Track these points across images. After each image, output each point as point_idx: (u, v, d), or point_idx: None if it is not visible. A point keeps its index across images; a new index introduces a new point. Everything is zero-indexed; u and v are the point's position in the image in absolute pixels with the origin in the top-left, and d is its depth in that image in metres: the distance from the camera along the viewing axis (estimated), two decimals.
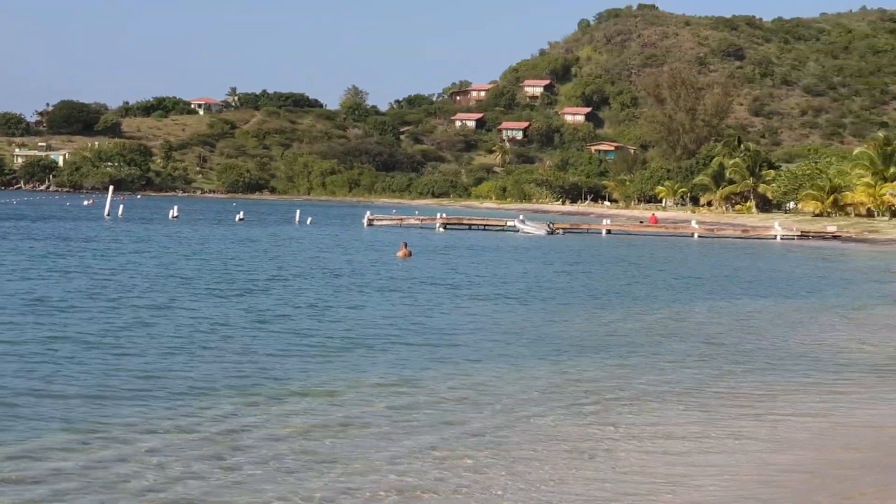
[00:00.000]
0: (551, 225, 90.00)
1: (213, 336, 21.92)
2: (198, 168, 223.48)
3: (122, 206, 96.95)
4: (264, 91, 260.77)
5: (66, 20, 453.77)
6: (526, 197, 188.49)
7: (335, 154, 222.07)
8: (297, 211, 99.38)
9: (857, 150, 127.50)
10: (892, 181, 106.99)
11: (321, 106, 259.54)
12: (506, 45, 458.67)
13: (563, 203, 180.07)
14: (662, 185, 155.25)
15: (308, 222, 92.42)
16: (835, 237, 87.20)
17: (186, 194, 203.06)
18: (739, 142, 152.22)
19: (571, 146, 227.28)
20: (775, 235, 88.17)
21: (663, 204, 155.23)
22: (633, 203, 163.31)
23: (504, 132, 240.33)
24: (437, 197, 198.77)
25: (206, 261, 44.75)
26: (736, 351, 22.34)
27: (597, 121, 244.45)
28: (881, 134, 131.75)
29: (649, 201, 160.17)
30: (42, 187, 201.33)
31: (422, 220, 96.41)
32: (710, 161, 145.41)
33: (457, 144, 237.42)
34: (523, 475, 11.90)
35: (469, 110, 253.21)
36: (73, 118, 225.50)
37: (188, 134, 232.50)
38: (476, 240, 74.33)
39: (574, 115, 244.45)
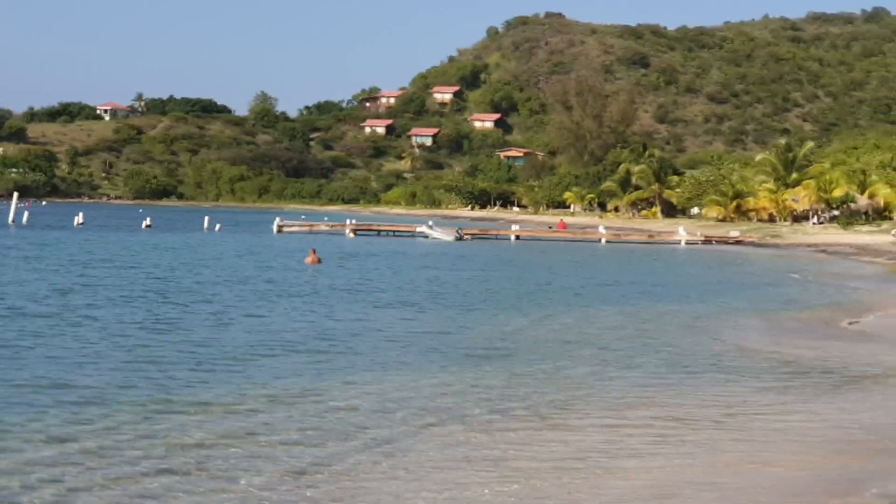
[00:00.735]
0: (460, 231, 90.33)
1: (108, 344, 21.61)
2: (104, 174, 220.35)
3: (26, 213, 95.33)
4: (171, 96, 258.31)
5: None
6: (436, 203, 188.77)
7: (244, 160, 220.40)
8: (206, 217, 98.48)
9: (759, 157, 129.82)
10: (793, 187, 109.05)
11: (230, 112, 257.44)
12: (415, 51, 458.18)
13: (473, 209, 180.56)
14: (570, 191, 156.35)
15: (217, 229, 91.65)
16: (738, 242, 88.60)
17: (93, 200, 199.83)
18: (645, 148, 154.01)
19: (480, 152, 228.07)
20: (680, 240, 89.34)
21: (571, 209, 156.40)
22: (541, 209, 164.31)
23: (414, 138, 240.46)
24: (348, 203, 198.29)
25: (109, 268, 44.11)
26: (635, 355, 22.65)
27: (505, 127, 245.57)
28: (783, 141, 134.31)
29: (558, 207, 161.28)
30: None
31: (331, 226, 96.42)
32: (617, 167, 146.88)
33: (366, 151, 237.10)
34: (423, 483, 11.96)
35: (379, 116, 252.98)
36: None
37: (94, 140, 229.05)
38: (385, 246, 74.43)
39: (483, 122, 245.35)
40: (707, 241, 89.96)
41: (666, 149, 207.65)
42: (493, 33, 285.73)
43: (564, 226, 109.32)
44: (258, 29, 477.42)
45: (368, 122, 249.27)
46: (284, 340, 23.38)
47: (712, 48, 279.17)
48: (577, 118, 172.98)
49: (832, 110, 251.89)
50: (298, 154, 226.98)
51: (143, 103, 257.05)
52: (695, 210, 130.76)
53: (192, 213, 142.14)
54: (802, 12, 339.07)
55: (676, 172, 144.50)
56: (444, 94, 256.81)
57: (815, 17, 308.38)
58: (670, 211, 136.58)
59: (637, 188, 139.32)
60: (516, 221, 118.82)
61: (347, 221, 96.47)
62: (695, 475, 12.24)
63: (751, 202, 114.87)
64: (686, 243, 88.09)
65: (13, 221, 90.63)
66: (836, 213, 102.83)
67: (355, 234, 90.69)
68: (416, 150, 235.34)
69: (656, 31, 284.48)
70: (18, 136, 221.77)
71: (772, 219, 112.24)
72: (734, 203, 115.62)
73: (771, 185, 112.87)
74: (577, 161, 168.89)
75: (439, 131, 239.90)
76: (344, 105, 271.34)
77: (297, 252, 60.11)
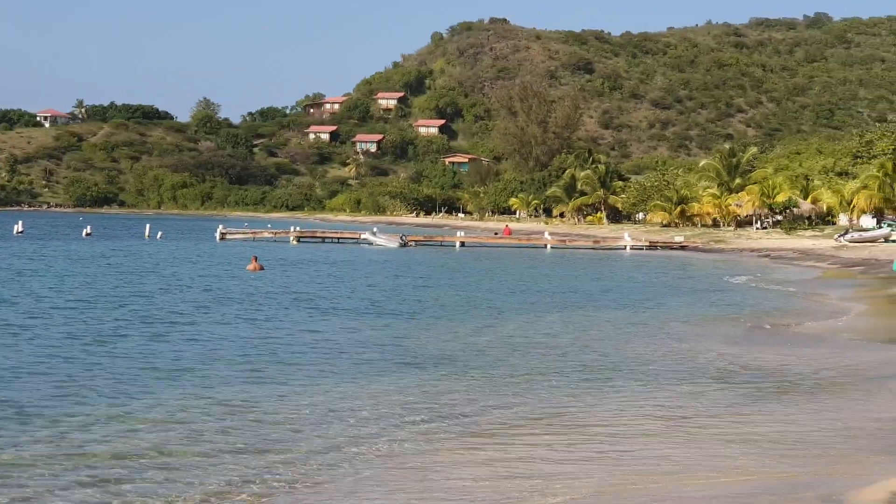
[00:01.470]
0: (404, 237, 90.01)
1: (31, 356, 20.83)
2: (44, 182, 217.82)
3: None
4: (112, 103, 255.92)
5: None
6: (381, 209, 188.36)
7: (186, 167, 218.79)
8: (147, 225, 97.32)
9: (703, 162, 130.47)
10: (737, 192, 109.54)
11: (171, 118, 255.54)
12: (359, 57, 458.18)
13: (418, 215, 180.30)
14: (516, 197, 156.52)
15: (158, 236, 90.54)
16: (682, 247, 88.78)
17: (32, 208, 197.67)
18: (590, 154, 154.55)
19: (425, 158, 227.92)
20: (625, 246, 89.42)
21: (517, 216, 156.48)
22: (487, 215, 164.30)
23: (358, 145, 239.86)
24: (292, 210, 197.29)
25: (46, 277, 43.16)
26: (574, 363, 22.17)
27: (450, 133, 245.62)
28: (726, 146, 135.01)
29: (503, 213, 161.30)
30: None
31: (275, 233, 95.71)
32: (562, 173, 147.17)
33: (311, 157, 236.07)
34: (356, 494, 11.58)
35: (323, 123, 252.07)
36: None
37: (34, 147, 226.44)
38: (329, 253, 73.97)
39: (428, 128, 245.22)
40: (652, 246, 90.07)
41: (611, 154, 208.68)
42: (437, 39, 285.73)
43: (510, 232, 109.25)
44: (201, 34, 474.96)
45: (312, 128, 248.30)
46: (219, 350, 22.79)
47: (656, 54, 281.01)
48: (522, 124, 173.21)
49: (775, 115, 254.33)
50: (242, 161, 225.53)
51: (83, 110, 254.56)
52: (640, 215, 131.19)
53: (134, 220, 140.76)
54: (745, 18, 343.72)
55: (621, 178, 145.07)
56: (388, 100, 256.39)
57: (758, 23, 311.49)
58: (616, 216, 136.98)
59: (582, 194, 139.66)
60: (461, 228, 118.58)
61: (291, 228, 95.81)
62: (633, 485, 11.67)
63: (695, 207, 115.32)
64: (631, 249, 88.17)
65: None
66: (779, 218, 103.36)
67: (299, 241, 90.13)
68: (361, 157, 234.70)
69: (600, 37, 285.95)
70: None
71: (716, 224, 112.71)
72: (679, 208, 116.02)
73: (715, 190, 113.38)
74: (523, 167, 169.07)
75: (384, 137, 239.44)
76: (288, 111, 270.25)
77: (239, 260, 59.43)
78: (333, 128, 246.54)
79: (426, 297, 39.13)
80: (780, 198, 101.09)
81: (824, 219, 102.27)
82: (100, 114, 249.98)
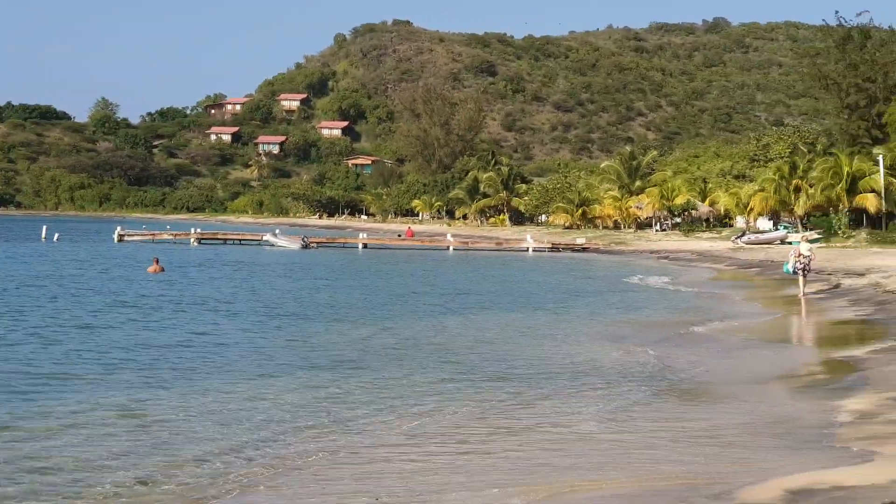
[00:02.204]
0: (306, 239, 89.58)
1: None
2: None
3: None
4: (9, 103, 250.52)
5: None
6: (283, 211, 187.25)
7: (84, 168, 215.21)
8: (44, 227, 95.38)
9: (604, 164, 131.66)
10: (637, 194, 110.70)
11: (69, 118, 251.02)
12: (261, 58, 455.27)
13: (321, 217, 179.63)
14: (419, 199, 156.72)
15: (55, 238, 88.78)
16: (584, 249, 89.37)
17: None
18: (493, 156, 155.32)
19: (328, 160, 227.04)
20: (528, 248, 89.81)
21: (420, 217, 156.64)
22: (390, 217, 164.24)
23: (260, 146, 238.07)
24: (192, 212, 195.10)
25: None
26: (476, 366, 22.13)
27: (353, 135, 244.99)
28: (627, 148, 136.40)
29: (406, 215, 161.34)
30: None
31: (175, 234, 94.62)
32: (465, 175, 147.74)
33: (212, 158, 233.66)
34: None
35: (224, 124, 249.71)
36: None
37: None
38: (231, 254, 73.35)
39: (331, 129, 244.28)
40: (554, 248, 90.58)
41: (514, 157, 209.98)
42: (340, 40, 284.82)
43: (413, 234, 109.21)
44: (99, 32, 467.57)
45: (214, 129, 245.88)
46: (114, 354, 22.30)
47: (558, 57, 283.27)
48: (426, 126, 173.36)
49: (674, 119, 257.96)
50: (141, 162, 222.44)
51: None
52: (542, 217, 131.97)
53: (30, 222, 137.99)
54: (645, 22, 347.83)
55: (524, 180, 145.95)
56: (291, 102, 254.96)
57: (658, 28, 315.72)
58: (518, 218, 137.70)
59: (485, 196, 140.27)
60: (364, 229, 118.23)
61: (192, 230, 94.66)
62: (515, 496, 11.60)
63: (596, 209, 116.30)
64: (533, 251, 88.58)
65: None
66: (678, 220, 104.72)
67: (200, 242, 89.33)
68: (263, 158, 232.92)
69: (503, 40, 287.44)
70: None
71: (617, 226, 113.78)
72: (580, 210, 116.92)
73: (616, 192, 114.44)
74: (426, 169, 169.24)
75: (286, 139, 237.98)
76: (188, 112, 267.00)
77: (138, 262, 58.57)
78: (235, 129, 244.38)
79: (325, 299, 38.87)
80: (679, 200, 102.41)
81: (722, 221, 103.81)
82: None
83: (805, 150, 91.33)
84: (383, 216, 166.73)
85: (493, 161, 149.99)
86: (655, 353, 24.11)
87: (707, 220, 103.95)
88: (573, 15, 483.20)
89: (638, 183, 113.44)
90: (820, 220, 79.00)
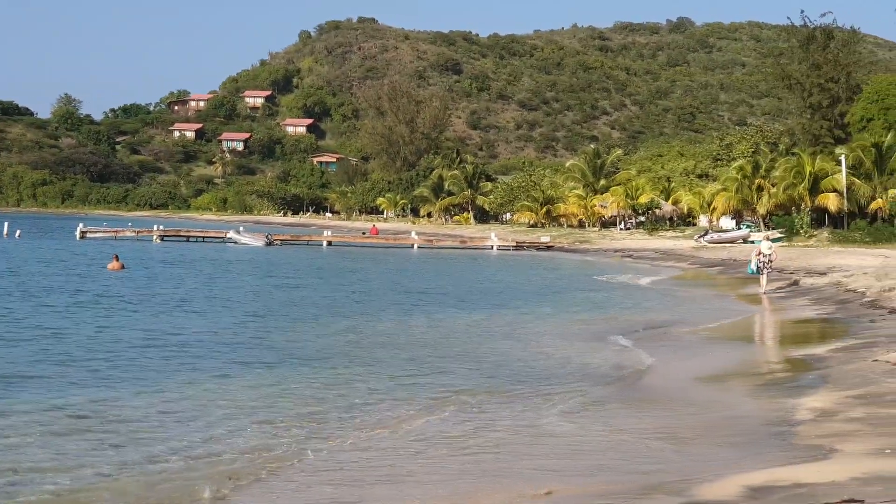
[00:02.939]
0: (270, 236, 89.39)
1: None
2: None
3: None
4: None
5: None
6: (247, 209, 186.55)
7: (47, 164, 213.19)
8: (5, 223, 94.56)
9: (568, 163, 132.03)
10: (602, 193, 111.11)
11: (31, 114, 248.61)
12: (225, 54, 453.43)
13: (285, 215, 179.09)
14: (384, 197, 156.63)
15: (17, 235, 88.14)
16: (549, 247, 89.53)
17: None
18: (458, 154, 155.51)
19: (293, 158, 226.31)
20: (492, 246, 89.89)
21: (385, 215, 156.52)
22: (354, 215, 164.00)
23: (224, 143, 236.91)
24: (155, 209, 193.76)
25: None
26: (440, 364, 22.08)
27: (318, 132, 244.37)
28: (592, 147, 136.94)
29: (371, 213, 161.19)
30: None
31: (138, 231, 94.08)
32: (430, 173, 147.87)
33: (175, 155, 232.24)
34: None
35: (188, 120, 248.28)
36: None
37: None
38: (194, 252, 72.96)
39: (296, 127, 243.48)
40: (518, 246, 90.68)
41: (479, 155, 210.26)
42: (305, 37, 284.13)
43: (377, 231, 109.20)
44: (62, 28, 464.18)
45: (177, 125, 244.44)
46: (71, 352, 21.99)
47: (523, 56, 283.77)
48: (391, 124, 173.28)
49: (639, 118, 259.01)
50: (104, 158, 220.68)
51: None
52: (507, 216, 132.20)
53: None
54: (610, 22, 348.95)
55: (489, 178, 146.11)
56: (255, 99, 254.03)
57: (622, 27, 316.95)
58: (483, 217, 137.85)
59: (450, 194, 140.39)
60: (329, 227, 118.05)
61: (155, 227, 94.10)
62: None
63: (561, 208, 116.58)
64: (498, 249, 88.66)
65: None
66: (642, 219, 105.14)
67: (163, 239, 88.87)
68: (227, 155, 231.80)
69: (468, 38, 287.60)
70: None
71: (581, 224, 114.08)
72: (545, 209, 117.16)
73: (580, 191, 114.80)
74: (390, 167, 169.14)
75: (251, 136, 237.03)
76: (152, 108, 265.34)
77: (99, 259, 58.14)
78: (199, 126, 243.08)
79: (287, 297, 38.72)
80: (643, 199, 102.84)
81: (685, 220, 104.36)
82: None
83: (767, 150, 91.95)
84: (348, 214, 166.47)
85: (458, 159, 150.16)
86: (616, 352, 24.17)
87: (671, 219, 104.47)
88: (538, 14, 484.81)
89: (602, 182, 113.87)
90: (782, 220, 79.52)
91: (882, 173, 75.06)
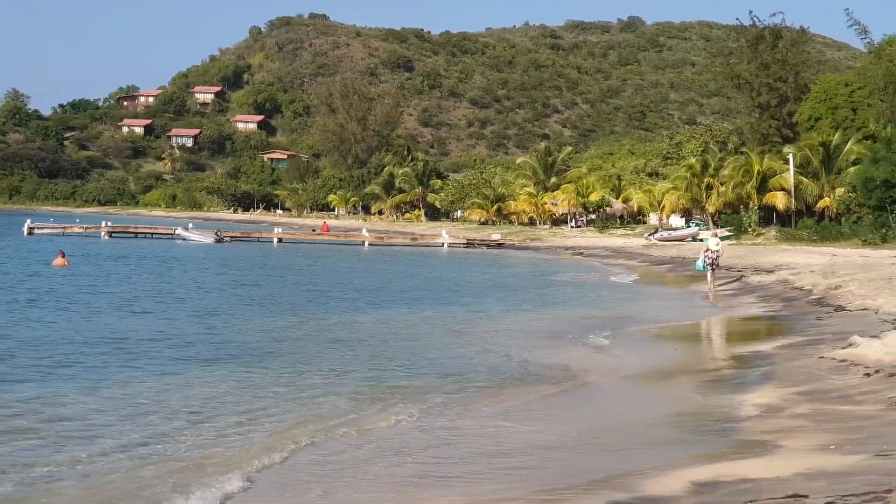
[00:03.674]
0: (219, 233, 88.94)
1: None
2: None
3: None
4: None
5: None
6: (197, 205, 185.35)
7: None
8: None
9: (519, 160, 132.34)
10: (552, 191, 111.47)
11: None
12: (175, 50, 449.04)
13: (236, 211, 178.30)
14: (335, 194, 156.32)
15: None
16: (499, 245, 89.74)
17: None
18: (409, 151, 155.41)
19: (243, 154, 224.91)
20: (443, 243, 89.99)
21: (336, 213, 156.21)
22: (306, 212, 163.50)
23: (174, 139, 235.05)
24: (104, 205, 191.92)
25: None
26: (385, 361, 22.01)
27: (269, 129, 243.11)
28: (543, 145, 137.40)
29: (322, 210, 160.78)
30: None
31: (86, 228, 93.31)
32: (381, 171, 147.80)
33: (124, 151, 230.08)
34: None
35: (137, 116, 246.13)
36: None
37: None
38: (142, 248, 72.46)
39: (246, 123, 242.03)
40: (469, 243, 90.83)
41: (430, 152, 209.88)
42: (255, 33, 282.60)
43: (328, 229, 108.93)
44: (9, 23, 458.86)
45: (126, 121, 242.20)
46: (10, 349, 21.60)
47: (475, 53, 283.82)
48: (342, 121, 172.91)
49: (590, 117, 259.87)
50: (52, 154, 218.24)
51: None
52: (458, 213, 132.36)
53: None
54: (561, 20, 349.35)
55: (440, 176, 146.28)
56: (205, 94, 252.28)
57: (574, 26, 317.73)
58: (434, 214, 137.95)
59: (401, 191, 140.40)
60: (280, 224, 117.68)
61: (103, 223, 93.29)
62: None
63: (512, 205, 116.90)
64: (448, 246, 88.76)
65: None
66: (593, 216, 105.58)
67: (111, 236, 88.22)
68: (177, 151, 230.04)
69: (420, 36, 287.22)
70: None
71: (532, 222, 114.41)
72: (496, 206, 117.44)
73: (531, 188, 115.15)
74: (342, 164, 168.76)
75: (201, 132, 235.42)
76: (100, 104, 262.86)
77: (46, 255, 57.45)
78: (148, 121, 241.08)
79: (236, 293, 38.50)
80: (594, 197, 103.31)
81: (636, 218, 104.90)
82: None
83: (716, 149, 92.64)
84: (299, 211, 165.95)
85: (410, 157, 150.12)
86: (562, 348, 24.14)
87: (621, 216, 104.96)
88: (490, 12, 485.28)
89: (553, 179, 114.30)
90: (731, 218, 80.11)
91: (829, 172, 75.75)
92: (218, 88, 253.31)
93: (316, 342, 24.71)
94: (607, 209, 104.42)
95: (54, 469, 12.26)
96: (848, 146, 74.55)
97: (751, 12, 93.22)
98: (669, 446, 13.28)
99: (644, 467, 11.84)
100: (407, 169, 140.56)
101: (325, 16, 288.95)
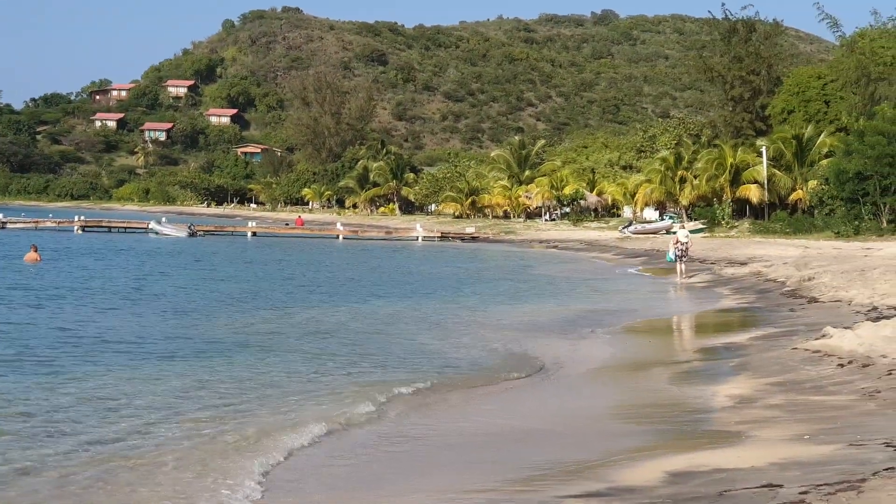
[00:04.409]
0: (192, 227, 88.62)
1: None
2: None
3: None
4: None
5: None
6: (170, 199, 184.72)
7: None
8: None
9: (493, 153, 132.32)
10: (526, 184, 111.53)
11: None
12: (147, 43, 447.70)
13: (209, 205, 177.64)
14: (309, 188, 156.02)
15: None
16: (473, 238, 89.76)
17: None
18: (383, 145, 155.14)
19: (217, 148, 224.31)
20: (417, 237, 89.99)
21: (310, 206, 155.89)
22: (279, 206, 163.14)
23: (147, 133, 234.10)
24: (77, 199, 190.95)
25: None
26: (364, 354, 21.96)
27: (243, 123, 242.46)
28: (517, 138, 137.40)
29: (296, 204, 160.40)
30: None
31: (59, 222, 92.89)
32: (356, 164, 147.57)
33: (97, 145, 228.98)
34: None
35: (110, 110, 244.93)
36: None
37: None
38: (115, 243, 72.21)
39: (219, 117, 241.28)
40: (444, 237, 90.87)
41: (404, 146, 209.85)
42: (228, 27, 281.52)
43: (302, 222, 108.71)
44: None
45: (99, 115, 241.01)
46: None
47: (449, 47, 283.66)
48: (316, 114, 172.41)
49: (564, 110, 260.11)
50: (24, 148, 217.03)
51: None
52: (432, 206, 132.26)
53: None
54: (535, 14, 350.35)
55: (414, 170, 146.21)
56: (178, 88, 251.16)
57: (548, 19, 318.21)
58: (408, 207, 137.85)
59: (375, 185, 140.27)
60: (254, 218, 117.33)
61: (76, 218, 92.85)
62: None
63: (486, 199, 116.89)
64: (423, 239, 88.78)
65: None
66: (567, 210, 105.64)
67: (84, 230, 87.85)
68: (150, 145, 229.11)
69: (394, 29, 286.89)
70: None
71: (506, 215, 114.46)
72: (470, 199, 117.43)
73: (505, 181, 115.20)
74: (316, 158, 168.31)
75: (174, 126, 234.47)
76: (73, 98, 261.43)
77: (17, 249, 57.03)
78: (121, 115, 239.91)
79: (208, 287, 38.31)
80: (568, 190, 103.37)
81: (610, 211, 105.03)
82: None
83: (690, 142, 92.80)
84: (273, 205, 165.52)
85: (384, 150, 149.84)
86: (534, 341, 24.11)
87: (595, 210, 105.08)
88: (464, 5, 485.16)
89: (527, 172, 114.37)
90: (704, 211, 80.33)
91: (802, 165, 76.05)
92: (191, 82, 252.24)
93: (288, 336, 24.55)
94: (581, 202, 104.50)
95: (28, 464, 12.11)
96: (821, 139, 74.92)
97: (723, 5, 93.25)
98: (644, 437, 13.28)
99: (618, 457, 11.84)
100: (381, 163, 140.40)
101: (298, 9, 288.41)
